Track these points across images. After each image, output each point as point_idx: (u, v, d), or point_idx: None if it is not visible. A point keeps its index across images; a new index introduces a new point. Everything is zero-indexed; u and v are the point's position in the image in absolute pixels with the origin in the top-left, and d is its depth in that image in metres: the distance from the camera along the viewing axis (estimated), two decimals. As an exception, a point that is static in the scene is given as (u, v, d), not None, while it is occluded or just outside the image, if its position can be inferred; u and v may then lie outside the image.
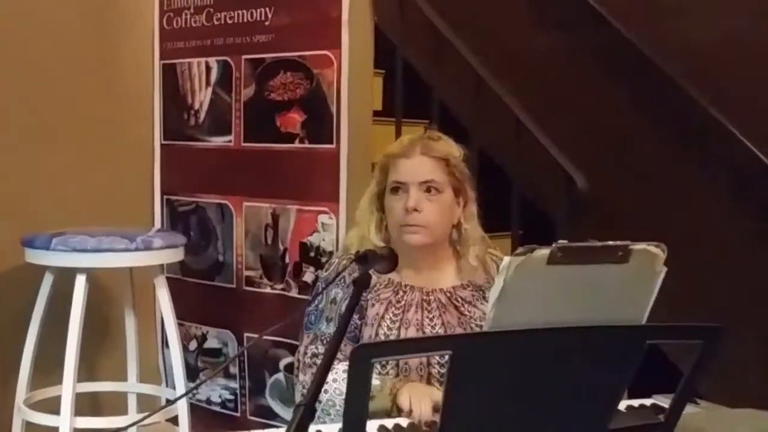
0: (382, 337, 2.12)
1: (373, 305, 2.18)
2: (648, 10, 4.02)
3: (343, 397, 1.28)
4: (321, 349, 2.15)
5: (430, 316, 2.18)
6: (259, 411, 3.28)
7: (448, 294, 2.20)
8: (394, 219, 2.18)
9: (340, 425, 1.31)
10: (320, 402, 2.05)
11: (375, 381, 2.01)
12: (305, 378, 2.16)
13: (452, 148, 2.22)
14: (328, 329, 2.17)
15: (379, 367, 2.10)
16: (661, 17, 3.97)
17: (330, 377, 2.05)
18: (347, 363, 1.26)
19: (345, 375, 1.76)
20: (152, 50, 3.51)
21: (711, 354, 1.42)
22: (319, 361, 2.09)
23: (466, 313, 2.18)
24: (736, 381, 3.17)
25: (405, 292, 2.19)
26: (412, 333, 2.14)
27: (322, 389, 2.02)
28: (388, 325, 2.16)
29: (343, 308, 2.14)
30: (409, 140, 2.23)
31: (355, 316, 2.16)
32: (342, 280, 2.17)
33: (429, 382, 2.11)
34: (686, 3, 3.91)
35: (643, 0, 4.09)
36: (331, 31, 2.99)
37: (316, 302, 2.21)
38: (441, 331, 2.14)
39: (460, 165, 2.22)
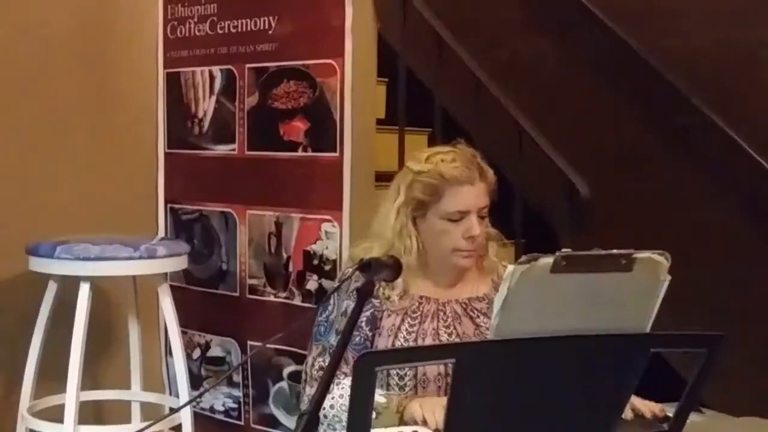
0: None
1: (388, 316, 2.18)
2: (647, 14, 4.02)
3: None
4: None
5: (446, 325, 2.18)
6: (263, 419, 3.27)
7: (464, 305, 2.21)
8: (447, 243, 2.14)
9: (344, 435, 1.31)
10: (326, 417, 2.05)
11: (381, 398, 2.00)
12: (311, 392, 2.15)
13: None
14: None
15: (396, 378, 2.10)
16: (661, 20, 3.98)
17: (336, 392, 2.05)
18: None
19: None
20: (156, 59, 3.52)
21: (715, 362, 1.42)
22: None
23: (482, 324, 2.18)
24: (739, 389, 3.16)
25: (421, 303, 2.19)
26: (428, 343, 2.13)
27: (329, 404, 2.04)
28: (404, 336, 2.15)
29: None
30: (465, 164, 2.15)
31: (366, 328, 2.15)
32: (355, 292, 2.15)
33: (447, 393, 2.10)
34: (685, 6, 3.92)
35: (642, 3, 4.09)
36: (335, 40, 2.99)
37: (327, 313, 2.20)
38: (456, 341, 2.13)
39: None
